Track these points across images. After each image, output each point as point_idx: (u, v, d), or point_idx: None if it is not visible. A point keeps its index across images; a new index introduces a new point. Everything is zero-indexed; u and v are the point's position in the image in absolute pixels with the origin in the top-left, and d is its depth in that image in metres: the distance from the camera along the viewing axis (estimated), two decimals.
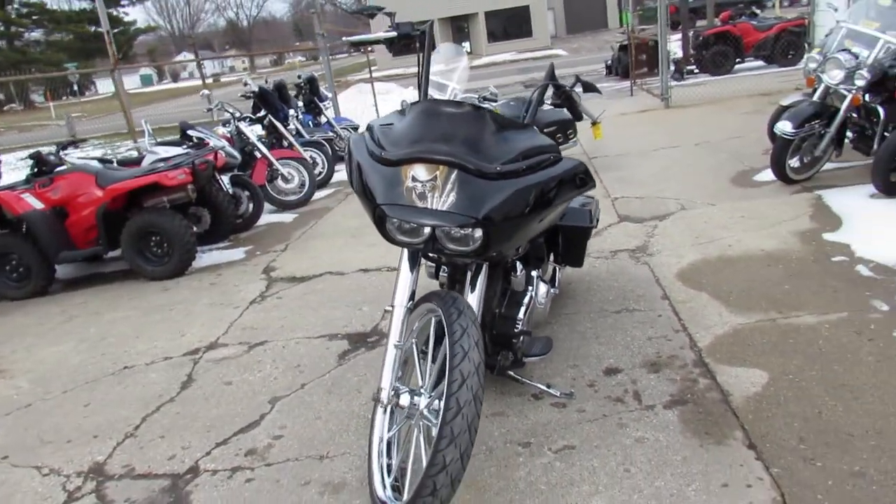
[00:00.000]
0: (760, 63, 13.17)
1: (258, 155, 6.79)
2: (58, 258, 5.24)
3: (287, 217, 6.54)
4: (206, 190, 5.54)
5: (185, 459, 2.65)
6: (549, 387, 2.69)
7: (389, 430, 2.30)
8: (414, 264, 2.20)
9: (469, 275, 2.30)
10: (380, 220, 2.06)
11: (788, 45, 12.54)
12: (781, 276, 3.54)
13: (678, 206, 5.00)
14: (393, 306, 2.16)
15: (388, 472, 2.23)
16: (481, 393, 1.86)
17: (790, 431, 2.29)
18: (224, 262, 5.36)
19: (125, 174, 5.29)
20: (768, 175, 5.28)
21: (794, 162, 5.03)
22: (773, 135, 6.01)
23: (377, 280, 4.37)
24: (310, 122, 9.03)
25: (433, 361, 2.12)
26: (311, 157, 7.47)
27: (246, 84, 7.48)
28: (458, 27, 38.27)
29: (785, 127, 4.81)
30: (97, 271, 5.74)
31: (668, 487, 2.11)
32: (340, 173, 8.19)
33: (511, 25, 36.63)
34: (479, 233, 1.97)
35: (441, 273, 2.73)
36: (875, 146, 4.74)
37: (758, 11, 15.42)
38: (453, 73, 6.51)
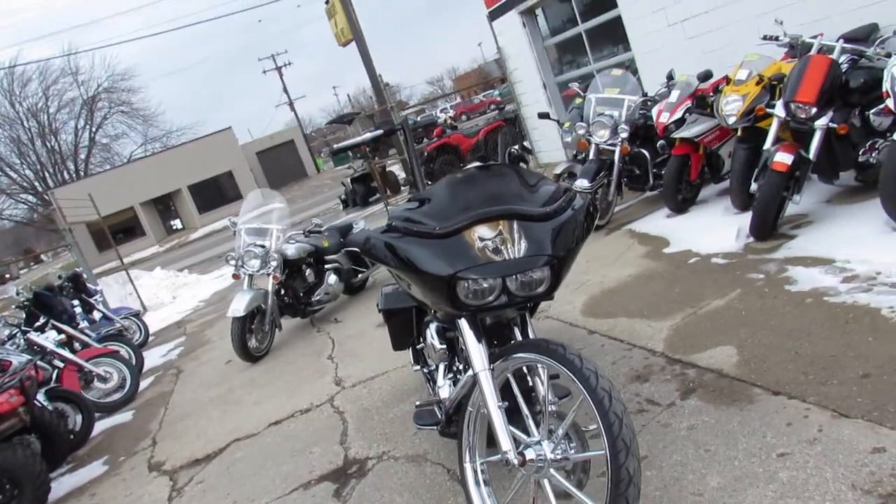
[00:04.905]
0: (479, 163, 15.00)
1: (60, 364, 5.93)
2: None
3: (124, 416, 5.73)
4: (29, 412, 4.68)
5: None
6: None
7: (505, 497, 2.25)
8: (479, 329, 2.24)
9: (517, 329, 2.39)
10: (451, 290, 2.09)
11: (496, 143, 14.55)
12: (665, 285, 4.15)
13: None
14: (476, 373, 2.16)
15: None
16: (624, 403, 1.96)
17: (792, 373, 2.73)
18: (86, 482, 4.53)
19: None
20: None
21: None
22: None
23: (300, 425, 4.09)
24: (85, 321, 8.09)
25: (530, 411, 2.16)
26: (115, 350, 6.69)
27: (18, 293, 6.55)
28: (162, 208, 37.17)
29: (583, 183, 5.67)
30: None
31: (751, 444, 2.38)
32: (150, 359, 7.44)
33: (216, 193, 36.61)
34: (547, 271, 2.13)
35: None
36: (651, 181, 5.83)
37: (456, 124, 17.64)
38: (271, 215, 6.52)
